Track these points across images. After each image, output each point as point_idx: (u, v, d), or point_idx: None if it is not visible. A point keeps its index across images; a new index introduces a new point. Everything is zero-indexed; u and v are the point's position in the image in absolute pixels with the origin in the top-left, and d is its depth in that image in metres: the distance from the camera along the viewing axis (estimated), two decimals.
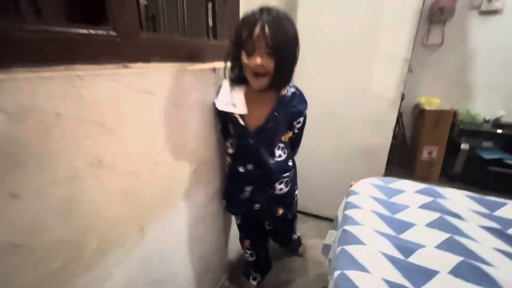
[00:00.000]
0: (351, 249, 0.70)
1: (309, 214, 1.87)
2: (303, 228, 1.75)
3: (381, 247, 0.71)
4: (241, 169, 0.98)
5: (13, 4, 0.72)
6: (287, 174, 1.02)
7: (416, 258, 0.67)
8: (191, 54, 0.88)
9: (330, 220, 1.79)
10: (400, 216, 0.85)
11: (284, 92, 0.90)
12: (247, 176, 0.98)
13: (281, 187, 1.02)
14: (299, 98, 0.94)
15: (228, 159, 1.03)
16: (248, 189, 1.01)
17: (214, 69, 0.95)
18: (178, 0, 1.13)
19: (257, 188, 1.01)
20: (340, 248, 0.73)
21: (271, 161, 0.95)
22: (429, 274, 0.63)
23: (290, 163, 1.04)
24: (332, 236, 1.02)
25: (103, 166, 0.60)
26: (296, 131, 1.01)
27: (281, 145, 0.98)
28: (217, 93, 0.94)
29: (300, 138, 1.07)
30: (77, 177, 0.55)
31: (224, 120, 0.98)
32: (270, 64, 0.77)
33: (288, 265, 1.46)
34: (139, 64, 0.68)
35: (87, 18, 0.61)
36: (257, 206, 1.03)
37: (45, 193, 0.50)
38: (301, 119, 0.98)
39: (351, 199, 0.96)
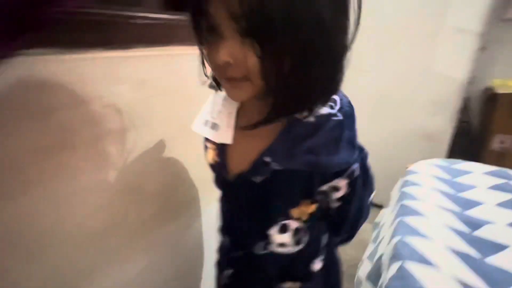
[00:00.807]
0: (411, 219, 0.72)
1: None
2: None
3: (444, 219, 0.71)
4: (220, 236, 0.60)
5: None
6: (298, 283, 0.52)
7: (483, 232, 0.66)
8: None
9: (380, 206, 1.75)
10: (465, 195, 0.82)
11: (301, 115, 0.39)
12: (223, 253, 0.59)
13: None
14: (337, 133, 0.39)
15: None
16: (227, 273, 0.57)
17: None
18: None
19: (240, 279, 0.56)
20: (398, 219, 0.74)
21: (261, 249, 0.50)
22: (498, 247, 0.62)
23: (319, 265, 0.52)
24: (383, 215, 1.01)
25: (190, 131, 0.72)
26: (334, 204, 0.47)
27: (287, 223, 0.48)
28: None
29: (347, 215, 0.49)
30: (171, 138, 0.68)
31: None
32: (249, 59, 0.33)
33: None
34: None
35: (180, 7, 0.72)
36: None
37: (149, 150, 0.63)
38: (343, 183, 0.44)
39: (409, 177, 0.95)
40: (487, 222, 0.70)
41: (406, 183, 0.92)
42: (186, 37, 0.69)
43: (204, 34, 0.36)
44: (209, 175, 0.58)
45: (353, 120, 0.41)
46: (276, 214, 0.47)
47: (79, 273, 0.51)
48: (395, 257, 0.60)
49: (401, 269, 0.56)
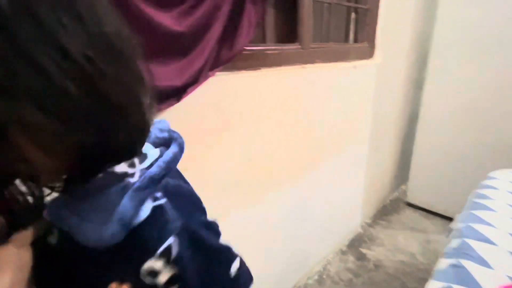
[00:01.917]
0: (480, 213, 0.80)
1: (435, 213, 1.81)
2: (427, 227, 1.74)
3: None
4: None
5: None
6: None
7: None
8: (339, 56, 1.18)
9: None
10: None
11: None
12: None
13: None
14: (143, 192, 0.27)
15: None
16: None
17: (354, 67, 1.21)
18: (324, 13, 1.45)
19: None
20: (466, 224, 0.81)
21: None
22: None
23: None
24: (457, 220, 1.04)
25: (285, 125, 0.99)
26: None
27: None
28: None
29: None
30: (276, 131, 0.95)
31: None
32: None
33: None
34: (308, 65, 1.03)
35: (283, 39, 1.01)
36: None
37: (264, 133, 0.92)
38: (160, 266, 0.28)
39: (487, 182, 0.99)
40: None
41: (481, 192, 0.96)
42: (293, 60, 0.96)
43: None
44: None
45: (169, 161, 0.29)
46: None
47: None
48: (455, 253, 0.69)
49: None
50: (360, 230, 1.68)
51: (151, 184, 0.27)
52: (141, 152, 0.29)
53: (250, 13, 0.74)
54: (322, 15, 1.48)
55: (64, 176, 0.27)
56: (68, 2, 0.20)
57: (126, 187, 0.27)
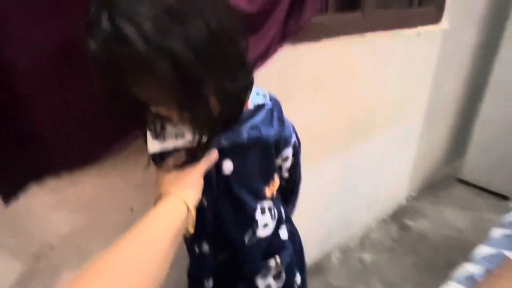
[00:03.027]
0: None
1: (490, 191, 1.72)
2: (480, 205, 1.67)
3: None
4: (196, 249, 0.56)
5: None
6: (278, 259, 0.59)
7: None
8: (401, 22, 1.12)
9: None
10: None
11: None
12: (204, 264, 0.56)
13: (268, 284, 0.58)
14: (270, 114, 0.50)
15: None
16: (209, 284, 0.57)
17: (418, 34, 1.15)
18: None
19: (222, 286, 0.59)
20: None
21: (248, 240, 0.54)
22: None
23: (285, 235, 0.60)
24: None
25: (342, 95, 1.02)
26: (286, 174, 0.59)
27: (266, 204, 0.54)
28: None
29: (297, 185, 0.64)
30: (333, 101, 0.99)
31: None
32: (184, 118, 0.41)
33: None
34: (369, 33, 1.01)
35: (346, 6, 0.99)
36: None
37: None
38: (289, 152, 0.56)
39: None
40: None
41: None
42: (353, 29, 0.95)
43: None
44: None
45: (279, 105, 0.52)
46: (256, 197, 0.52)
47: None
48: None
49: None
50: (404, 202, 1.69)
51: (277, 105, 0.51)
52: (264, 92, 0.51)
53: None
54: None
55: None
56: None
57: (270, 108, 0.49)
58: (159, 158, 0.48)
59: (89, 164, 0.57)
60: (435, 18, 1.24)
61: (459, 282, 0.55)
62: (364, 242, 1.45)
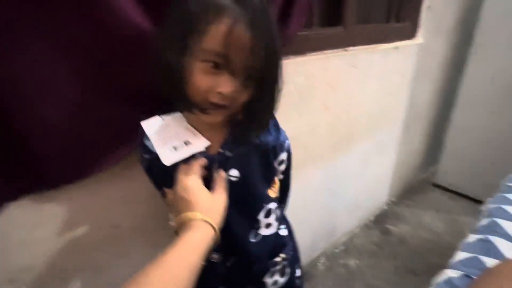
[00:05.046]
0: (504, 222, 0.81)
1: (463, 195, 1.83)
2: (454, 208, 1.77)
3: None
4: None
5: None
6: (283, 255, 0.63)
7: None
8: (380, 37, 1.18)
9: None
10: None
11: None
12: (214, 272, 0.58)
13: (275, 280, 0.63)
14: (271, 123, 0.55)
15: None
16: None
17: (395, 48, 1.21)
18: None
19: None
20: (500, 195, 0.86)
21: (253, 239, 0.57)
22: None
23: (285, 232, 0.65)
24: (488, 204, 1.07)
25: (326, 106, 1.05)
26: (281, 177, 0.62)
27: (271, 205, 0.58)
28: (141, 138, 0.52)
29: (289, 186, 0.69)
30: (317, 111, 1.02)
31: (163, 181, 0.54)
32: (243, 95, 0.45)
33: None
34: (351, 48, 1.05)
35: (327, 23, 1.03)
36: None
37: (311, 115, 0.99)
38: (284, 156, 0.59)
39: None
40: None
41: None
42: (336, 44, 0.99)
43: (199, 64, 0.41)
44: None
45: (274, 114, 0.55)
46: (260, 200, 0.56)
47: None
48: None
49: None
50: (385, 207, 1.76)
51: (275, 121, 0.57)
52: None
53: (301, 1, 0.78)
54: None
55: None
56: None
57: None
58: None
59: (78, 179, 0.55)
60: (411, 33, 1.32)
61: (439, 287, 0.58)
62: (348, 247, 1.49)
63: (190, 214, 0.42)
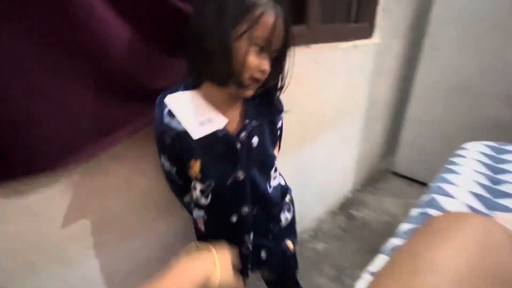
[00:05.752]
0: (448, 176, 0.97)
1: (418, 181, 2.03)
2: (410, 193, 1.96)
3: (475, 177, 0.94)
4: (233, 219, 0.67)
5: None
6: (288, 196, 0.83)
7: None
8: (341, 36, 1.28)
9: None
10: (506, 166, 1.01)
11: None
12: (245, 224, 0.68)
13: (286, 216, 0.79)
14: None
15: (200, 214, 0.70)
16: (249, 239, 0.70)
17: (355, 46, 1.32)
18: None
19: (259, 232, 0.72)
20: (431, 196, 0.97)
21: (270, 189, 0.71)
22: None
23: (283, 181, 0.83)
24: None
25: (292, 102, 1.12)
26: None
27: (276, 163, 0.73)
28: (161, 116, 0.57)
29: (280, 146, 0.77)
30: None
31: (180, 157, 0.62)
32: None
33: None
34: (314, 45, 1.14)
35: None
36: (263, 255, 0.75)
37: None
38: (281, 123, 0.72)
39: (459, 152, 1.16)
40: None
41: (453, 160, 1.10)
42: (300, 41, 1.06)
43: (253, 47, 0.52)
44: None
45: None
46: (272, 158, 0.70)
47: None
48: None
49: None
50: (350, 195, 1.90)
51: None
52: None
53: None
54: None
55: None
56: None
57: None
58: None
59: (40, 172, 0.55)
60: (368, 33, 1.44)
61: (385, 253, 0.68)
62: (316, 233, 1.60)
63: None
